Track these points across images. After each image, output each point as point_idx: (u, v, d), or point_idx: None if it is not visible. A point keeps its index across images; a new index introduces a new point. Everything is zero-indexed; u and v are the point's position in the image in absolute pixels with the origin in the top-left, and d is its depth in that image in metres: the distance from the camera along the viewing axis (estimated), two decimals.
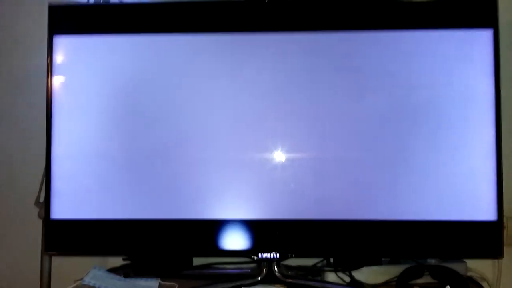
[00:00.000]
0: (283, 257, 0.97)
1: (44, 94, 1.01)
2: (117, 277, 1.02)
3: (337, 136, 0.97)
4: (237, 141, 0.98)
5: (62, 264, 1.14)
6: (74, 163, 0.99)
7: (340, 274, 1.02)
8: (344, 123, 0.97)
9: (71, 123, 1.00)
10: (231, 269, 1.10)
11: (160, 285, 1.00)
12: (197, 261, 1.09)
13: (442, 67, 0.97)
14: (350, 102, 0.98)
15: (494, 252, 0.96)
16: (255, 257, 0.97)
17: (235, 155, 0.98)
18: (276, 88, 0.98)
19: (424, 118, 0.96)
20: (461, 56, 0.96)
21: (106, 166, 0.99)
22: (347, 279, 1.02)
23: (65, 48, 1.01)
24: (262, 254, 0.97)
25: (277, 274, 0.99)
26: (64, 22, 1.02)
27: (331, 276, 1.03)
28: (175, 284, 1.00)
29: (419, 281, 1.00)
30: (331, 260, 1.05)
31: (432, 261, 1.04)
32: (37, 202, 1.07)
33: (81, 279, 0.99)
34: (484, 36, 0.96)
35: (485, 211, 0.95)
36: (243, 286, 0.98)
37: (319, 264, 1.09)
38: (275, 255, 0.97)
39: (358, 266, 1.01)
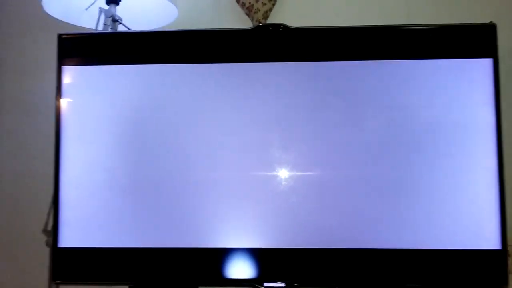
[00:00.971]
0: (289, 286, 0.97)
1: (52, 121, 1.03)
2: None
3: (341, 164, 0.99)
4: (241, 169, 1.00)
5: None
6: (81, 191, 1.01)
7: None
8: (347, 151, 0.99)
9: (78, 151, 1.02)
10: None
11: None
12: None
13: (442, 96, 0.98)
14: (352, 129, 0.99)
15: (499, 281, 0.95)
16: (261, 287, 0.97)
17: (239, 183, 0.99)
18: (279, 117, 1.01)
19: (426, 147, 0.98)
20: (462, 85, 0.98)
21: (113, 194, 1.00)
22: None
23: (74, 76, 1.03)
24: (268, 283, 0.97)
25: None
26: (73, 50, 1.04)
27: None
28: None
29: None
30: None
31: None
32: (45, 230, 1.08)
33: None
34: (484, 65, 0.98)
35: (489, 239, 0.95)
36: None
37: None
38: (280, 284, 0.97)
39: None
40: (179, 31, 1.06)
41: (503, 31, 1.01)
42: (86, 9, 1.25)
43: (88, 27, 1.27)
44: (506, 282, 0.95)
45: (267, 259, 0.97)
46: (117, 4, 1.22)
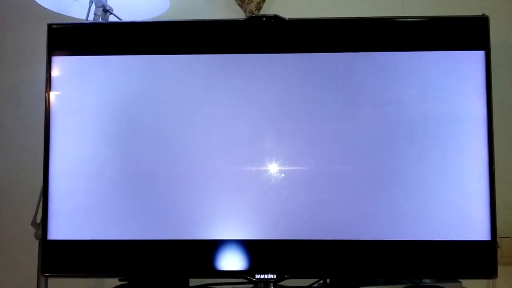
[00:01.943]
0: (280, 277, 0.98)
1: (42, 112, 1.01)
2: None
3: (333, 155, 0.99)
4: (234, 161, 0.99)
5: (58, 286, 1.14)
6: (71, 183, 1.00)
7: None
8: (338, 142, 0.99)
9: (69, 142, 1.01)
10: None
11: None
12: (193, 282, 1.09)
13: (434, 88, 0.99)
14: (344, 121, 0.99)
15: (489, 272, 0.96)
16: (253, 279, 0.97)
17: (231, 174, 0.99)
18: (271, 108, 1.00)
19: (417, 138, 0.98)
20: (453, 77, 0.98)
21: (103, 186, 0.99)
22: None
23: (64, 66, 1.02)
24: (259, 275, 0.97)
25: None
26: (63, 41, 1.03)
27: None
28: None
29: None
30: (328, 281, 1.05)
31: (427, 281, 1.05)
32: (33, 223, 1.07)
33: None
34: (476, 57, 0.98)
35: (479, 230, 0.96)
36: None
37: (316, 285, 1.10)
38: (271, 276, 0.97)
39: (354, 286, 1.02)
40: (171, 21, 1.04)
41: (496, 23, 1.01)
42: None
43: (79, 17, 1.25)
44: (495, 273, 0.96)
45: (258, 251, 0.97)
46: None
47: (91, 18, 1.18)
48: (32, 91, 1.31)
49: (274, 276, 0.97)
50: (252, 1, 1.39)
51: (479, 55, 0.99)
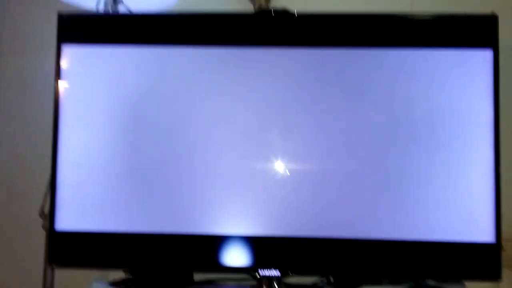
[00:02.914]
0: (283, 274, 0.98)
1: (51, 102, 1.02)
2: None
3: (339, 152, 0.99)
4: (240, 157, 0.99)
5: (65, 276, 1.15)
6: (79, 174, 1.00)
7: None
8: (344, 139, 0.99)
9: (77, 133, 1.01)
10: (231, 285, 1.11)
11: None
12: (197, 276, 1.10)
13: (441, 85, 0.98)
14: (350, 118, 0.99)
15: (493, 274, 0.96)
16: (257, 275, 0.98)
17: (237, 170, 0.99)
18: (277, 103, 1.00)
19: (422, 137, 0.98)
20: (461, 75, 0.98)
21: (110, 178, 1.00)
22: None
23: (73, 56, 1.02)
24: (263, 270, 0.98)
25: None
26: (73, 30, 1.03)
27: None
28: None
29: None
30: (331, 278, 1.06)
31: (431, 282, 1.05)
32: (41, 213, 1.08)
33: None
34: (484, 56, 0.98)
35: (484, 233, 0.96)
36: None
37: (319, 283, 1.10)
38: (275, 272, 0.97)
39: (357, 285, 1.02)
40: (181, 13, 1.04)
41: (505, 22, 0.99)
42: None
43: (89, 7, 1.24)
44: (499, 276, 0.96)
45: (262, 247, 0.98)
46: None
47: (101, 9, 1.17)
48: (41, 80, 1.32)
49: (278, 273, 0.97)
50: None
51: (487, 54, 0.98)
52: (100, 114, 1.01)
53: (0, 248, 1.26)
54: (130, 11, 1.20)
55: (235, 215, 0.99)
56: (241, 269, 1.00)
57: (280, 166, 0.99)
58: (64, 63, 1.02)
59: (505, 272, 0.97)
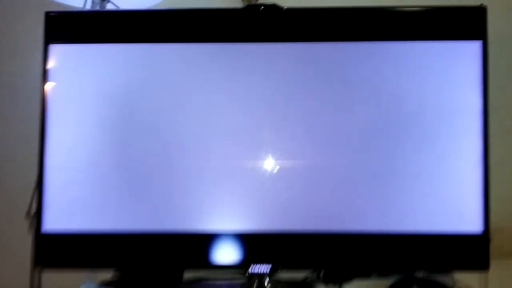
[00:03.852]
0: (274, 269, 0.98)
1: (37, 103, 1.00)
2: None
3: (328, 147, 0.99)
4: (229, 152, 0.99)
5: (52, 278, 1.13)
6: (66, 174, 0.99)
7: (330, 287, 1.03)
8: (335, 133, 0.99)
9: (64, 133, 1.00)
10: (221, 282, 1.10)
11: None
12: (187, 274, 1.09)
13: (431, 79, 0.98)
14: (340, 113, 0.99)
15: (481, 265, 0.97)
16: (247, 272, 0.97)
17: (226, 166, 0.99)
18: (268, 99, 1.00)
19: (411, 129, 0.98)
20: (449, 67, 0.98)
21: (98, 178, 0.99)
22: None
23: (61, 55, 1.01)
24: (253, 266, 0.97)
25: (268, 287, 0.99)
26: (60, 29, 1.02)
27: None
28: None
29: None
30: (321, 273, 1.06)
31: (420, 274, 1.05)
32: (28, 214, 1.06)
33: None
34: (472, 48, 0.98)
35: (472, 223, 0.96)
36: None
37: (309, 278, 1.10)
38: (265, 267, 0.97)
39: (348, 279, 1.02)
40: (169, 10, 1.04)
41: (493, 14, 1.00)
42: None
43: (76, 5, 1.23)
44: (488, 267, 0.96)
45: (251, 243, 0.98)
46: None
47: (88, 6, 1.16)
48: (27, 81, 1.30)
49: (268, 268, 0.97)
50: None
51: (476, 45, 0.98)
52: (88, 113, 1.00)
53: None
54: (116, 5, 1.19)
55: (225, 212, 0.98)
56: (231, 266, 0.99)
57: (269, 162, 0.99)
58: (51, 62, 1.01)
59: (493, 262, 0.97)
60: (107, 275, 1.11)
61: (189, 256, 0.98)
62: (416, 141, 0.98)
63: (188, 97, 1.01)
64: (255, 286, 0.99)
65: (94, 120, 1.00)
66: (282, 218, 0.98)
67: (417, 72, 0.99)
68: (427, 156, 0.97)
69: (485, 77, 0.98)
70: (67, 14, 1.05)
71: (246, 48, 1.01)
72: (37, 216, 0.99)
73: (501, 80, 1.24)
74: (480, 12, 1.00)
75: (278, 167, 0.98)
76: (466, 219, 0.97)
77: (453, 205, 0.97)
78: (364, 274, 1.03)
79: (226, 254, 0.97)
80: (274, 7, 1.01)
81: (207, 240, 0.97)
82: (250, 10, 1.02)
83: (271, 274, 0.99)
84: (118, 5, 1.19)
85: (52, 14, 1.03)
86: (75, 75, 1.01)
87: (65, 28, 1.03)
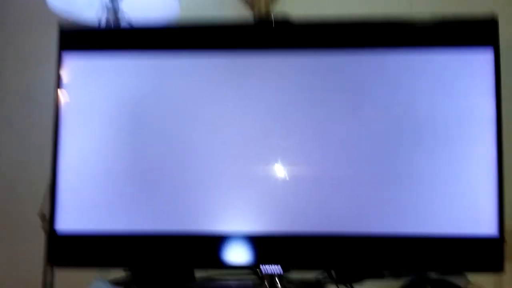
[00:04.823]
0: (284, 270, 0.97)
1: (50, 110, 1.03)
2: None
3: (339, 152, 0.99)
4: (240, 158, 1.00)
5: (65, 276, 1.14)
6: (78, 177, 1.01)
7: None
8: (345, 140, 0.99)
9: (77, 138, 1.02)
10: (233, 282, 1.10)
11: None
12: (199, 273, 1.09)
13: (442, 85, 0.98)
14: (351, 120, 1.00)
15: (495, 267, 0.95)
16: (258, 271, 0.97)
17: (237, 170, 0.99)
18: (278, 107, 1.01)
19: (426, 135, 0.98)
20: (462, 77, 0.98)
21: (110, 180, 1.00)
22: None
23: (74, 67, 1.04)
24: (264, 266, 0.97)
25: (279, 287, 0.99)
26: (73, 43, 1.05)
27: None
28: None
29: None
30: (333, 273, 1.05)
31: (433, 275, 1.04)
32: (40, 214, 1.08)
33: None
34: (484, 55, 0.98)
35: (487, 226, 0.95)
36: None
37: (321, 278, 1.09)
38: (276, 267, 0.97)
39: (359, 279, 1.01)
40: (181, 24, 1.06)
41: (505, 23, 1.00)
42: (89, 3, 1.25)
43: (90, 21, 1.27)
44: (502, 269, 0.95)
45: (263, 244, 0.97)
46: None
47: (102, 22, 1.18)
48: (41, 91, 1.34)
49: (279, 268, 0.97)
50: (260, 1, 1.40)
51: (488, 55, 0.98)
52: (101, 120, 1.02)
53: (0, 249, 1.26)
54: (129, 21, 1.21)
55: (236, 214, 0.98)
56: (243, 266, 0.99)
57: (281, 167, 0.99)
58: (64, 73, 1.03)
59: (508, 265, 0.96)
60: (118, 274, 1.11)
61: (202, 256, 0.98)
62: (430, 146, 0.97)
63: (200, 107, 1.02)
64: (266, 285, 0.99)
65: (107, 126, 1.02)
66: (294, 220, 0.98)
67: (429, 81, 0.99)
68: (442, 161, 0.97)
69: (497, 85, 0.97)
70: (81, 30, 1.08)
71: (257, 60, 1.02)
72: (50, 216, 1.00)
73: None
74: (491, 23, 0.99)
75: (289, 171, 0.98)
76: (481, 222, 0.96)
77: (468, 209, 0.96)
78: (376, 275, 1.01)
79: (238, 254, 0.97)
80: (285, 22, 1.02)
81: (218, 240, 0.98)
82: (261, 24, 1.04)
83: (282, 274, 0.99)
84: (131, 16, 1.21)
85: (66, 29, 1.05)
86: (88, 84, 1.03)
87: (78, 42, 1.05)
